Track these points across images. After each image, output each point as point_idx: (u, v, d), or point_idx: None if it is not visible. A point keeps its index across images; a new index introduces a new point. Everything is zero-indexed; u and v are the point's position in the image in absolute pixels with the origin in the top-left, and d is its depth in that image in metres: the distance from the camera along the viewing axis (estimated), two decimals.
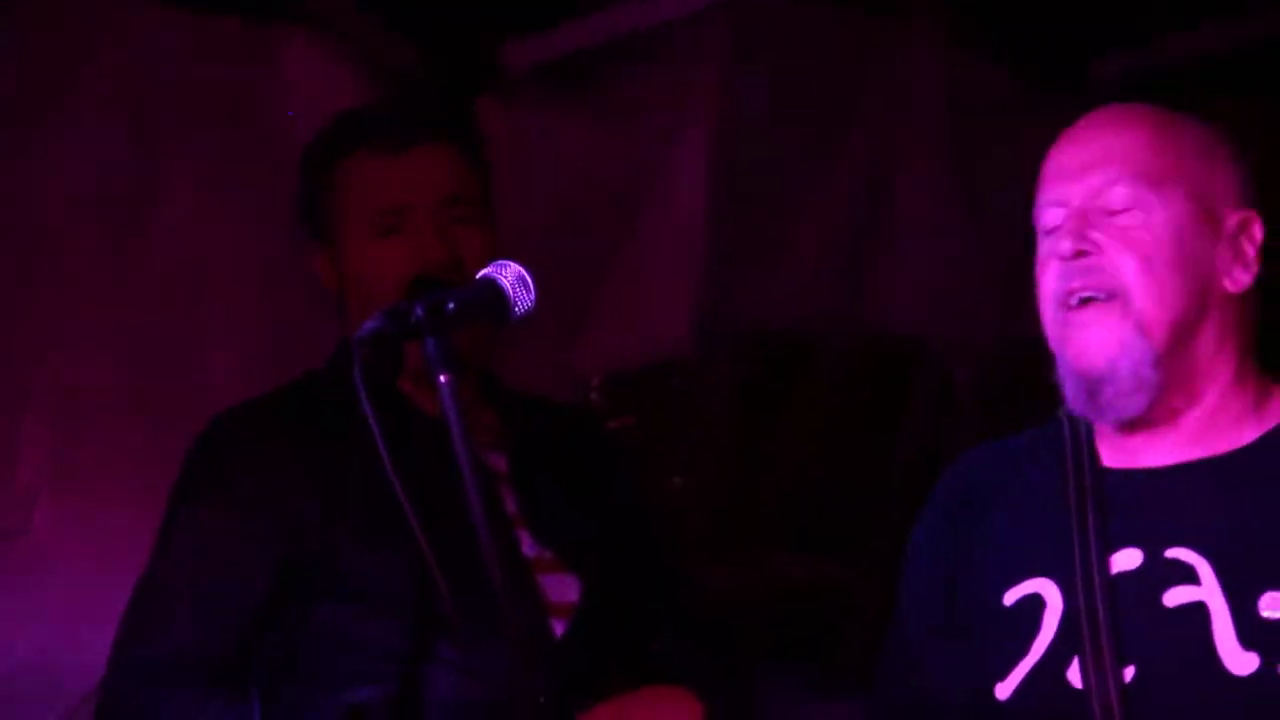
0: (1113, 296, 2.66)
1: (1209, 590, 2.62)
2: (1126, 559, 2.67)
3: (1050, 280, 2.71)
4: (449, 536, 2.50)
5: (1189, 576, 2.64)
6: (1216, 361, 2.71)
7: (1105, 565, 2.66)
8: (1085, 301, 2.68)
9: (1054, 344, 2.74)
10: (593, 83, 4.44)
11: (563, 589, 3.36)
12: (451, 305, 2.52)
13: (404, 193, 3.37)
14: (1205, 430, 2.70)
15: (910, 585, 2.89)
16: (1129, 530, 2.68)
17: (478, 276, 2.60)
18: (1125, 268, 2.66)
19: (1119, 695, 2.59)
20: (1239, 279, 2.70)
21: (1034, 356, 5.86)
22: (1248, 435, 2.70)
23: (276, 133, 3.57)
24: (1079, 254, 2.67)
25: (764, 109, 4.62)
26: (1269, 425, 2.71)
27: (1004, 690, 2.68)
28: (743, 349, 5.60)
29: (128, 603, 3.33)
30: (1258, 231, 2.72)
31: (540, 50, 4.32)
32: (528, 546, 3.36)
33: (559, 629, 3.32)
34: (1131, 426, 2.71)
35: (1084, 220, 2.68)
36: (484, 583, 2.46)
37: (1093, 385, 2.68)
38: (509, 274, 2.58)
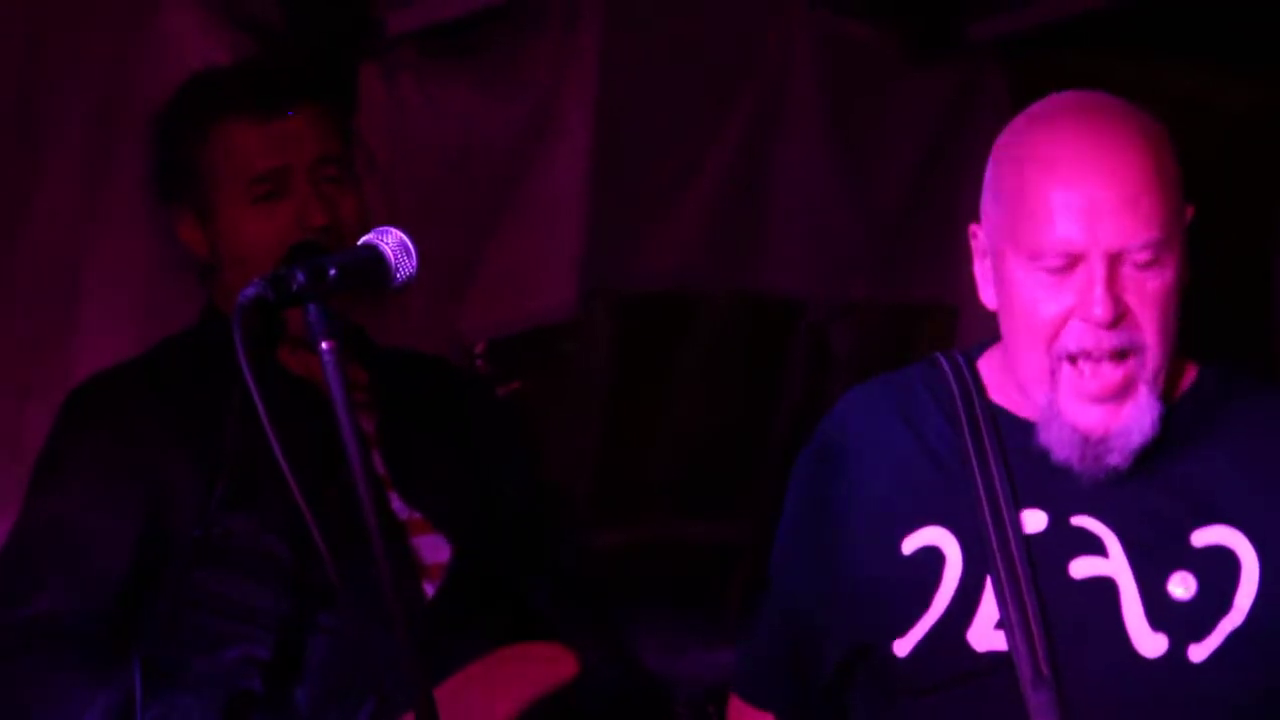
0: (1128, 362, 2.60)
1: (1117, 565, 2.61)
2: (1032, 520, 2.66)
3: (1066, 319, 2.60)
4: (321, 500, 2.49)
5: (1096, 548, 2.63)
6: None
7: (1017, 520, 2.64)
8: (1101, 358, 2.60)
9: (1046, 383, 2.63)
10: (473, 47, 4.44)
11: (433, 550, 3.37)
12: (333, 272, 2.49)
13: (279, 155, 3.34)
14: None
15: (788, 539, 2.86)
16: (1033, 489, 2.67)
17: (359, 243, 2.58)
18: (1151, 331, 2.59)
19: (1045, 647, 2.58)
20: (1187, 276, 2.66)
21: (906, 318, 5.94)
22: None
23: (155, 105, 3.54)
24: (1116, 323, 2.58)
25: (644, 72, 4.64)
26: (1177, 394, 2.70)
27: (902, 648, 2.67)
28: (625, 311, 5.63)
29: None
30: (1189, 220, 2.67)
31: (421, 15, 4.31)
32: (398, 508, 3.37)
33: (429, 590, 3.34)
34: None
35: (1113, 281, 2.57)
36: (358, 547, 2.46)
37: (1096, 450, 2.62)
38: (391, 240, 2.55)
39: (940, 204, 5.13)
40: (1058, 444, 2.64)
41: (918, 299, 5.43)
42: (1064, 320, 2.60)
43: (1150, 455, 2.65)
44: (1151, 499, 2.65)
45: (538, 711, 3.28)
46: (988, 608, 2.64)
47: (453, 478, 3.45)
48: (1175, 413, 2.68)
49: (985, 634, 2.64)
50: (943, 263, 5.18)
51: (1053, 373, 2.62)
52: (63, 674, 3.20)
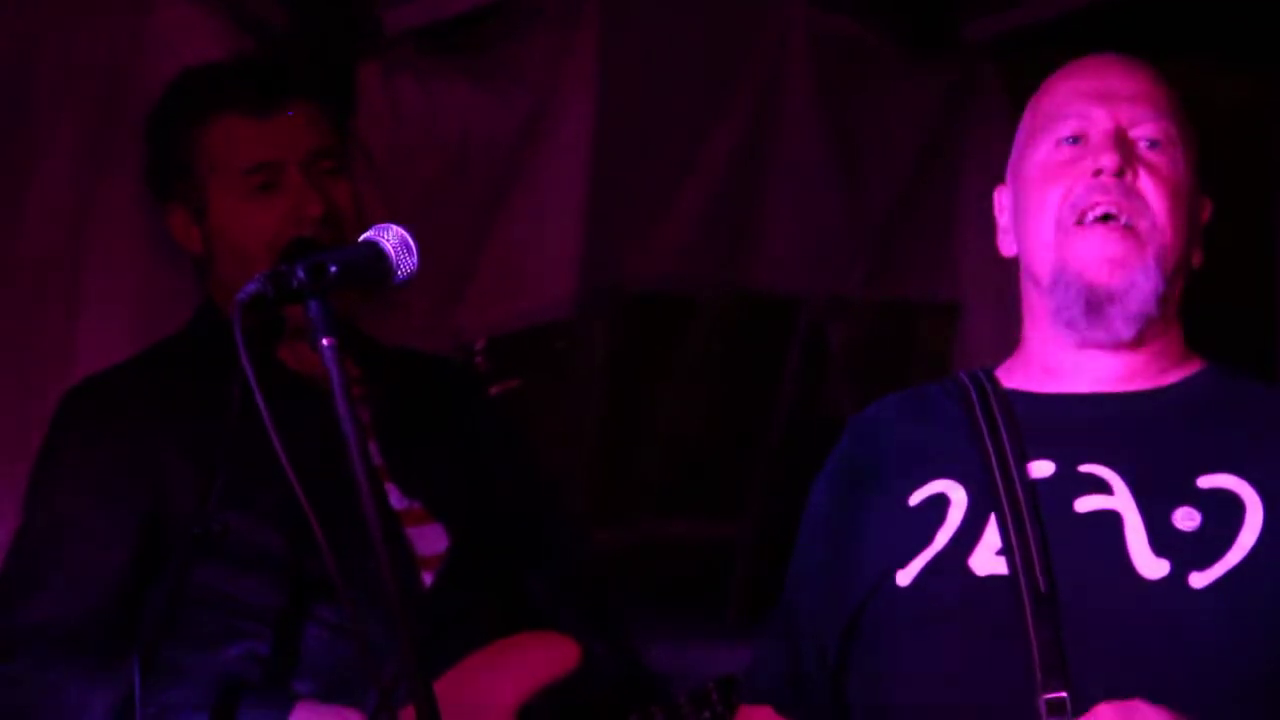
0: (1135, 225, 2.69)
1: (1122, 500, 2.66)
2: (1038, 469, 2.71)
3: (1074, 188, 2.71)
4: (320, 493, 2.49)
5: (1102, 488, 2.68)
6: (1168, 325, 2.77)
7: (1023, 466, 2.70)
8: (1108, 218, 2.70)
9: (1052, 248, 2.72)
10: (471, 46, 4.44)
11: (431, 540, 3.38)
12: (334, 268, 2.49)
13: (275, 148, 3.35)
14: (1133, 373, 2.75)
15: (804, 548, 2.89)
16: (1041, 444, 2.72)
17: (360, 239, 2.58)
18: (1157, 200, 2.70)
19: (1044, 566, 2.62)
20: (1198, 258, 2.77)
21: (904, 315, 5.94)
22: (1167, 380, 2.77)
23: (151, 102, 3.54)
24: (1120, 172, 2.69)
25: (642, 71, 4.64)
26: (1181, 376, 2.77)
27: (905, 577, 2.69)
28: (622, 310, 5.64)
29: None
30: (1208, 217, 2.79)
31: (419, 13, 4.32)
32: (395, 499, 3.37)
33: (428, 580, 3.34)
34: (1082, 347, 2.75)
35: (1121, 143, 2.71)
36: (357, 539, 2.46)
37: (1099, 299, 2.70)
38: (391, 237, 2.55)
39: (936, 202, 5.14)
40: (1063, 303, 2.71)
41: (914, 296, 5.44)
42: (1074, 185, 2.71)
43: (1159, 413, 2.73)
44: (1158, 449, 2.71)
45: (540, 701, 3.29)
46: (990, 537, 2.68)
47: (449, 468, 3.46)
48: (1184, 385, 2.76)
49: (987, 560, 2.67)
50: (939, 260, 5.19)
51: (1060, 242, 2.71)
52: (63, 674, 3.21)
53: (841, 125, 5.06)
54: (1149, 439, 2.71)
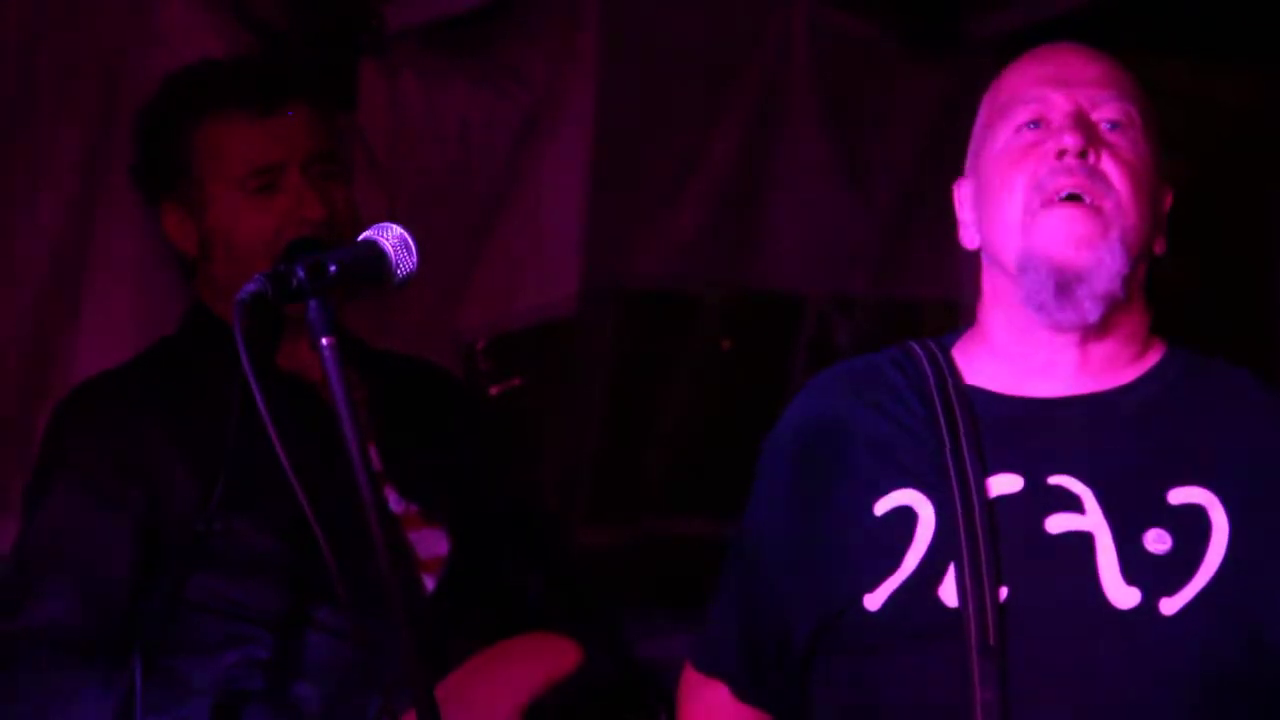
0: (1100, 207, 2.66)
1: (1094, 520, 2.63)
2: (1007, 483, 2.67)
3: (1037, 171, 2.68)
4: (319, 496, 2.49)
5: (1073, 505, 2.65)
6: (1132, 309, 2.74)
7: (983, 485, 2.66)
8: (1073, 199, 2.67)
9: (1019, 234, 2.69)
10: (472, 44, 4.45)
11: (431, 543, 3.38)
12: (334, 268, 2.50)
13: (277, 150, 3.34)
14: (1095, 370, 2.72)
15: (758, 518, 2.87)
16: (1008, 455, 2.68)
17: (360, 239, 2.58)
18: (1121, 181, 2.67)
19: (996, 616, 2.59)
20: (1160, 245, 2.75)
21: (909, 313, 5.94)
22: (1127, 377, 2.74)
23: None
24: (1084, 153, 2.67)
25: (644, 68, 4.65)
26: (1146, 367, 2.75)
27: (873, 602, 2.66)
28: (625, 308, 5.64)
29: None
30: (1169, 206, 2.77)
31: (420, 11, 4.32)
32: (394, 503, 3.37)
33: (429, 584, 3.34)
34: (1051, 332, 2.71)
35: (1085, 123, 2.70)
36: (357, 542, 2.46)
37: (1068, 279, 2.66)
38: (391, 236, 2.55)
39: (938, 200, 5.12)
40: (1033, 288, 2.67)
41: (917, 294, 5.44)
42: (1037, 169, 2.68)
43: (1127, 415, 2.70)
44: (1129, 457, 2.68)
45: (543, 702, 3.29)
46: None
47: (443, 471, 3.46)
48: (1150, 378, 2.74)
49: (955, 591, 2.64)
50: (942, 258, 5.19)
51: (1026, 225, 2.68)
52: (63, 681, 3.20)
53: (844, 123, 5.07)
54: (1118, 447, 2.68)
